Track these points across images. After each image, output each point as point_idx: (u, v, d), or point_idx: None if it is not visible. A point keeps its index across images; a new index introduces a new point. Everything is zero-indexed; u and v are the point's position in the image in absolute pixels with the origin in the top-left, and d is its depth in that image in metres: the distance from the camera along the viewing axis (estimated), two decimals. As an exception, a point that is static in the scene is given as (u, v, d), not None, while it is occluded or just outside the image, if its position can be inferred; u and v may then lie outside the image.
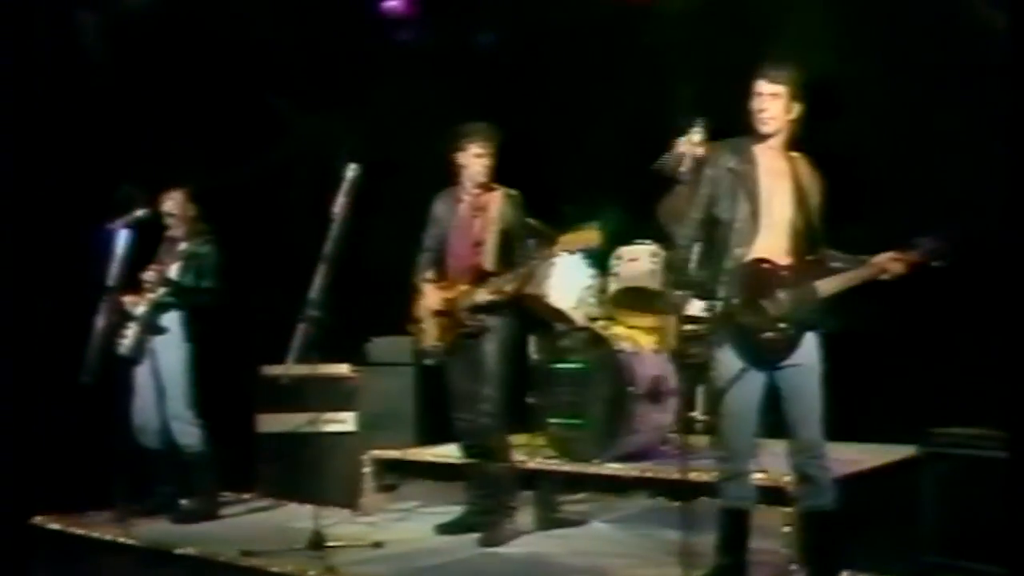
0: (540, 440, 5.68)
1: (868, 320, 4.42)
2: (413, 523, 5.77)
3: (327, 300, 4.96)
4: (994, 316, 4.86)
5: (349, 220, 5.01)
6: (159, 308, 5.84)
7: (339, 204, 5.05)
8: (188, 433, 5.90)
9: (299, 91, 6.98)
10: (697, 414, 5.77)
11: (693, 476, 4.90)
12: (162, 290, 5.80)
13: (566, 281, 5.71)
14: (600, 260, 5.79)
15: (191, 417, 5.92)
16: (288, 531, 5.43)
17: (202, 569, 5.01)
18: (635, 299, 5.76)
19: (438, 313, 5.22)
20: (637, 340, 5.62)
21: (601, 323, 5.72)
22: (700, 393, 5.76)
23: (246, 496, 6.44)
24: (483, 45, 7.08)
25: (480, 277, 5.13)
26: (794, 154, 4.17)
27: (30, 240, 6.07)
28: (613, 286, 5.78)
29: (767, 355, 4.08)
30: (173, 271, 5.81)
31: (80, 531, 5.69)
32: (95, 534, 5.61)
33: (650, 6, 6.21)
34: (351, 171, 5.10)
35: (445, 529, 5.40)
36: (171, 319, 5.88)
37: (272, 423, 6.41)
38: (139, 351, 5.87)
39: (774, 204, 4.11)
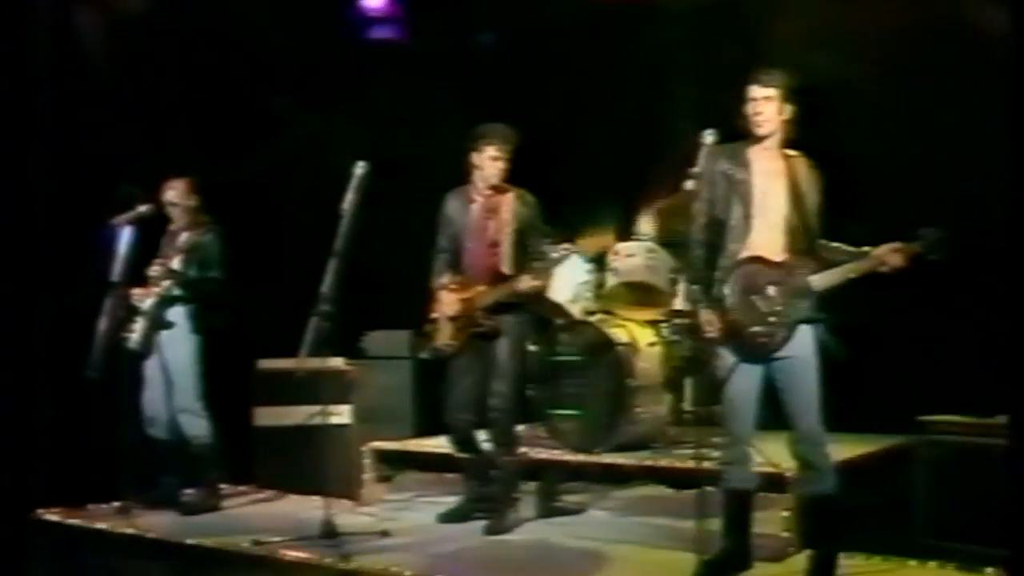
0: (540, 431, 5.84)
1: (859, 313, 4.58)
2: (413, 513, 5.88)
3: (338, 295, 5.07)
4: (982, 308, 5.11)
5: (358, 217, 5.13)
6: (166, 302, 5.90)
7: (348, 201, 5.16)
8: (197, 425, 5.97)
9: (301, 88, 7.06)
10: (686, 406, 5.95)
11: (692, 465, 5.18)
12: (168, 283, 5.86)
13: (563, 276, 5.86)
14: (597, 256, 5.95)
15: (200, 409, 5.98)
16: (292, 521, 5.54)
17: (216, 559, 5.10)
18: (632, 294, 5.94)
19: (454, 316, 5.32)
20: (634, 334, 5.79)
21: (597, 317, 5.89)
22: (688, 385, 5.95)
23: (242, 488, 6.51)
24: (484, 45, 7.18)
25: (496, 278, 5.24)
26: (792, 152, 4.32)
27: (36, 238, 6.11)
28: (611, 281, 5.94)
29: (758, 350, 4.24)
30: (176, 263, 5.86)
31: (87, 524, 5.73)
32: (101, 526, 5.66)
33: (650, 6, 6.35)
34: (359, 168, 5.22)
35: (446, 517, 5.53)
36: (178, 312, 5.93)
37: (269, 416, 6.52)
38: (147, 345, 5.92)
39: (768, 203, 4.27)
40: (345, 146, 6.20)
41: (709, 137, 4.23)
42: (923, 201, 5.27)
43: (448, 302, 5.35)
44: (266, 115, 6.91)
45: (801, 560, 4.45)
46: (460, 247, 5.38)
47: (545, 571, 4.66)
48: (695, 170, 4.30)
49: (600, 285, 5.96)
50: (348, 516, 5.57)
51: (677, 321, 5.87)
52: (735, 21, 6.09)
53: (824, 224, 4.26)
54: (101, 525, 5.68)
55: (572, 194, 5.84)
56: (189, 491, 6.07)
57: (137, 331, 5.92)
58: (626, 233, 5.98)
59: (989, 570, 4.34)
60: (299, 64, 7.02)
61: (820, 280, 4.20)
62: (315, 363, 6.22)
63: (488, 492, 5.43)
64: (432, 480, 6.28)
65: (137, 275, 5.87)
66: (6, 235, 5.92)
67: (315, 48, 7.02)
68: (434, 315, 5.42)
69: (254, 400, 6.60)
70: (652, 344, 5.80)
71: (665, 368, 5.78)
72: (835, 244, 4.27)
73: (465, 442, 5.47)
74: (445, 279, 5.39)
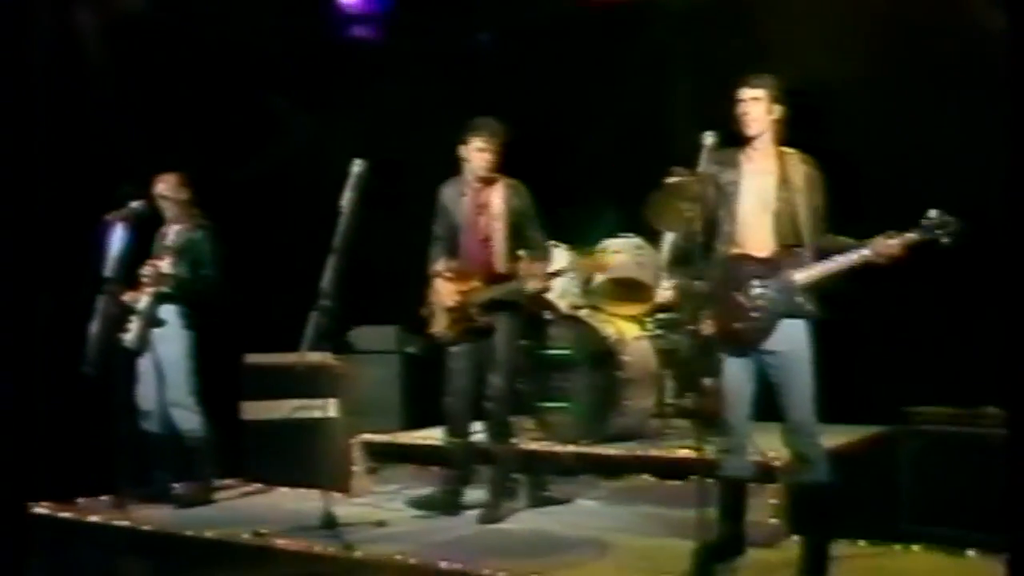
0: (529, 423, 5.97)
1: (844, 307, 4.71)
2: (401, 504, 5.90)
3: (338, 291, 5.16)
4: (966, 302, 5.32)
5: (357, 214, 5.23)
6: (159, 301, 5.96)
7: (346, 199, 5.26)
8: (189, 420, 6.03)
9: (295, 86, 7.12)
10: (668, 399, 6.12)
11: (679, 455, 5.37)
12: (161, 286, 5.92)
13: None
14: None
15: (192, 404, 6.04)
16: (284, 513, 5.66)
17: (218, 551, 5.17)
18: (619, 290, 6.10)
19: (450, 307, 5.45)
20: (621, 328, 5.94)
21: (585, 312, 6.03)
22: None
23: (230, 481, 6.56)
24: (479, 43, 7.26)
25: (490, 274, 5.39)
26: (788, 150, 4.42)
27: (30, 235, 6.10)
28: (599, 277, 6.09)
29: (742, 344, 4.37)
30: (168, 265, 5.92)
31: (79, 518, 5.78)
32: (95, 520, 5.71)
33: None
34: (356, 167, 5.31)
35: (418, 504, 5.62)
36: (170, 309, 5.99)
37: (257, 410, 6.59)
38: (142, 344, 5.98)
39: (756, 201, 4.40)
40: (336, 144, 6.26)
41: (709, 139, 4.37)
42: (916, 196, 5.41)
43: (445, 292, 5.48)
44: (257, 113, 6.95)
45: (790, 545, 4.64)
46: (455, 236, 5.51)
47: (548, 558, 4.78)
48: (680, 168, 4.41)
49: (588, 281, 6.10)
50: (341, 507, 5.65)
51: (662, 316, 6.05)
52: (732, 19, 6.19)
53: (828, 219, 4.32)
54: (95, 518, 5.73)
55: (560, 192, 5.96)
56: (177, 485, 6.12)
57: (132, 331, 5.97)
58: (615, 230, 6.12)
59: (972, 552, 4.55)
60: (293, 62, 7.07)
61: (806, 274, 4.27)
62: (299, 357, 6.38)
63: (465, 480, 5.58)
64: (419, 472, 6.41)
65: (132, 271, 5.92)
66: (3, 231, 5.91)
67: (310, 47, 7.09)
68: (431, 302, 5.54)
69: (242, 394, 6.67)
70: (638, 338, 5.95)
71: (655, 361, 5.93)
72: (841, 238, 4.31)
73: (459, 431, 5.59)
74: (441, 266, 5.52)
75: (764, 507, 4.90)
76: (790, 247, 4.34)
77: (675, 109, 6.19)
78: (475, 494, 5.62)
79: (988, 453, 4.63)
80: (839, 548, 4.55)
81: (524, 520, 5.48)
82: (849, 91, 5.78)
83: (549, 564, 4.65)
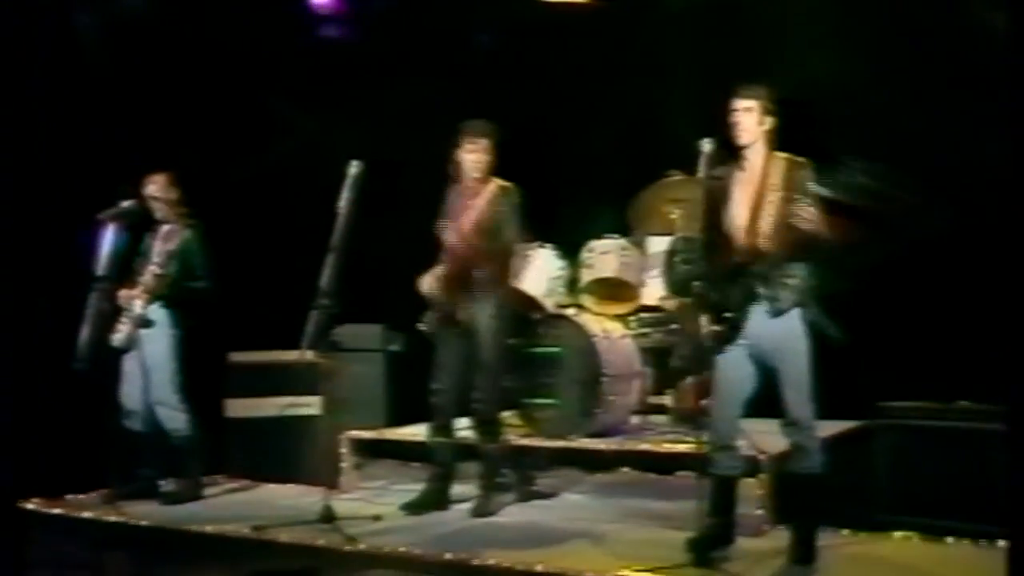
0: (516, 419, 6.13)
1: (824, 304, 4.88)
2: (390, 498, 6.03)
3: (337, 290, 5.28)
4: (943, 299, 5.54)
5: (354, 214, 5.35)
6: (150, 303, 6.02)
7: (343, 199, 5.38)
8: (174, 418, 6.08)
9: (292, 87, 7.19)
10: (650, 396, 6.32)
11: (666, 449, 5.57)
12: (156, 290, 6.00)
13: (537, 271, 6.14)
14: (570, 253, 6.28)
15: (177, 402, 6.09)
16: (272, 508, 5.77)
17: (217, 546, 5.26)
18: (605, 289, 6.29)
19: (435, 296, 5.63)
20: (606, 327, 6.12)
21: (570, 311, 6.21)
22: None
23: (214, 478, 6.60)
24: (477, 44, 7.35)
25: (468, 269, 5.53)
26: (781, 155, 4.57)
27: (24, 234, 6.14)
28: (586, 277, 6.27)
29: (724, 340, 4.58)
30: (159, 270, 6.00)
31: (68, 514, 5.83)
32: (85, 515, 5.77)
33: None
34: (353, 168, 5.44)
35: (411, 507, 5.70)
36: (158, 308, 6.04)
37: (241, 408, 6.68)
38: (130, 344, 6.02)
39: (744, 205, 4.57)
40: (335, 145, 6.35)
41: (707, 146, 4.56)
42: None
43: (430, 283, 5.64)
44: (255, 114, 7.01)
45: (776, 535, 4.86)
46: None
47: (548, 548, 4.93)
48: (675, 171, 4.60)
49: (574, 281, 6.28)
50: (333, 503, 5.77)
51: (646, 315, 6.25)
52: (729, 20, 6.33)
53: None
54: (84, 514, 5.78)
55: (549, 193, 6.11)
56: (164, 482, 6.18)
57: (122, 331, 6.02)
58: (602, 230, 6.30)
59: (949, 539, 4.79)
60: (291, 63, 7.14)
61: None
62: (282, 355, 6.51)
63: (450, 476, 5.74)
64: (403, 468, 6.58)
65: (124, 270, 5.97)
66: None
67: (308, 47, 7.15)
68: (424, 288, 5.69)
69: (226, 392, 6.75)
70: (623, 337, 6.14)
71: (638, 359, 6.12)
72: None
73: (444, 427, 5.74)
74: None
75: (750, 498, 5.07)
76: (780, 246, 4.47)
77: (669, 112, 6.31)
78: (461, 488, 5.77)
79: (961, 445, 4.88)
80: (823, 537, 4.78)
81: (514, 513, 5.65)
82: (849, 91, 5.90)
83: (548, 554, 4.80)
